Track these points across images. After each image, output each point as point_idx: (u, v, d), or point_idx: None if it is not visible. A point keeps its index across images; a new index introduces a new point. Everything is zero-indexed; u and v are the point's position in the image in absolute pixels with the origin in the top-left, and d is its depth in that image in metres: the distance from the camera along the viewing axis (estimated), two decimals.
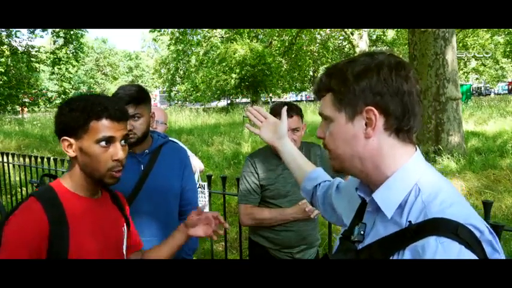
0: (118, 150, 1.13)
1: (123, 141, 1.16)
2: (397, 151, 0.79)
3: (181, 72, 33.72)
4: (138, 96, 1.68)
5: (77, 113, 1.10)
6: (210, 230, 1.36)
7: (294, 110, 1.97)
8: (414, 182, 0.76)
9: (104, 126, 1.11)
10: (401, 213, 0.75)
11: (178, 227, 1.40)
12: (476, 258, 0.65)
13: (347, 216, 0.96)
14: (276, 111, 1.99)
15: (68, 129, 1.12)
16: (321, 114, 0.87)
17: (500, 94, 36.29)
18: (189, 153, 2.48)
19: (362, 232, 0.83)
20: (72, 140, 1.13)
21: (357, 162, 0.81)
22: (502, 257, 0.71)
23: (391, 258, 0.72)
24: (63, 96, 27.40)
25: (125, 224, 1.31)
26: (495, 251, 0.69)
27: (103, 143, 1.11)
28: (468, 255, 0.65)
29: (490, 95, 34.94)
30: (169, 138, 2.09)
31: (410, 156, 0.80)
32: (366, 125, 0.78)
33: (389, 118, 0.77)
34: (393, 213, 0.76)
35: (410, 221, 0.72)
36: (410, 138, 0.81)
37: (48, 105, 28.70)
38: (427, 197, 0.73)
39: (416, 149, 0.82)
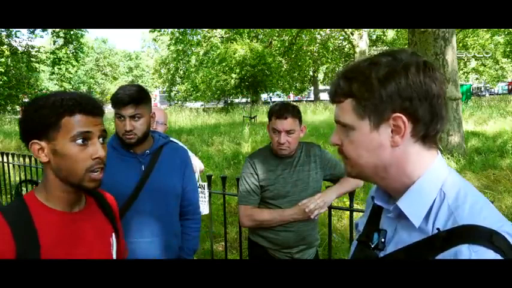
0: (98, 148, 1.00)
1: (101, 139, 1.03)
2: (421, 156, 0.75)
3: (181, 72, 33.75)
4: (138, 96, 1.67)
5: (45, 111, 0.97)
6: None
7: (289, 111, 1.93)
8: (439, 187, 0.73)
9: (79, 121, 0.98)
10: (427, 220, 0.72)
11: None
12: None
13: (361, 221, 0.93)
14: (272, 112, 1.98)
15: (37, 131, 0.98)
16: (338, 121, 0.79)
17: (497, 94, 36.28)
18: (189, 153, 2.48)
19: (383, 240, 0.79)
20: (43, 143, 0.99)
21: (380, 170, 0.76)
22: None
23: None
24: None
25: (113, 234, 1.18)
26: None
27: (79, 141, 0.98)
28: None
29: (484, 95, 34.91)
30: (170, 139, 2.08)
31: (433, 161, 0.75)
32: (391, 132, 0.73)
33: (418, 124, 0.72)
34: (421, 221, 0.72)
35: (438, 228, 0.68)
36: (435, 142, 0.77)
37: None
38: (453, 201, 0.70)
39: (438, 152, 0.78)
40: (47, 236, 0.98)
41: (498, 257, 0.61)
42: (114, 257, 1.18)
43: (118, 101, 1.66)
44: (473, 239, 0.63)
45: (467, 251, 0.62)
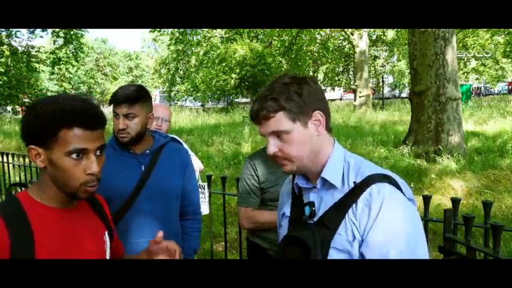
0: (92, 163, 1.00)
1: (98, 152, 1.03)
2: (328, 140, 1.07)
3: (181, 72, 33.75)
4: (134, 96, 1.67)
5: (43, 120, 0.96)
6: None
7: None
8: (343, 158, 1.05)
9: (76, 137, 0.97)
10: (343, 182, 1.02)
11: (142, 252, 1.24)
12: (401, 192, 0.96)
13: (286, 209, 1.17)
14: None
15: (35, 139, 0.98)
16: (275, 132, 1.01)
17: (497, 94, 36.28)
18: (189, 152, 2.48)
19: (314, 208, 1.03)
20: (40, 150, 0.99)
21: (312, 156, 1.03)
22: (410, 191, 1.01)
23: (347, 214, 0.95)
24: None
25: (106, 232, 1.19)
26: (406, 188, 1.01)
27: (74, 156, 0.97)
28: (396, 190, 0.95)
29: (484, 95, 34.93)
30: (172, 136, 2.07)
31: (334, 144, 1.08)
32: (314, 125, 1.02)
33: (326, 116, 1.04)
34: (341, 183, 1.01)
35: (355, 182, 0.98)
36: (331, 131, 1.10)
37: None
38: (355, 165, 1.03)
39: (333, 138, 1.10)
40: (41, 230, 0.99)
41: (393, 187, 0.95)
42: (108, 255, 1.17)
43: (114, 99, 1.68)
44: (376, 180, 0.96)
45: (376, 188, 0.94)
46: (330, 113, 1.06)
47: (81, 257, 1.07)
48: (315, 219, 1.02)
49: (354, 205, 0.95)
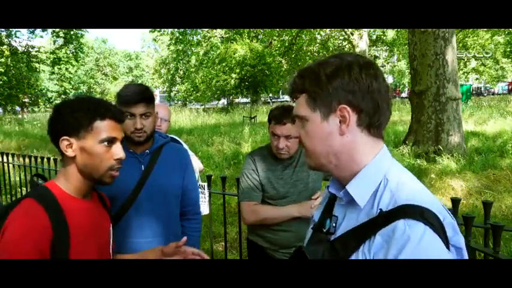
0: (119, 150, 1.18)
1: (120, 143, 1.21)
2: (368, 146, 0.85)
3: (181, 72, 33.78)
4: (149, 94, 1.72)
5: (80, 114, 1.13)
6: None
7: (288, 116, 1.88)
8: (383, 174, 0.83)
9: (108, 127, 1.16)
10: (373, 203, 0.81)
11: (155, 248, 1.38)
12: (438, 238, 0.71)
13: (316, 213, 1.02)
14: (271, 116, 1.97)
15: (70, 129, 1.14)
16: (296, 115, 0.90)
17: (497, 94, 36.29)
18: (189, 152, 2.48)
19: (334, 224, 0.87)
20: (72, 140, 1.14)
21: (332, 158, 0.86)
22: (462, 238, 0.77)
23: (362, 244, 0.77)
24: (63, 97, 27.46)
25: (110, 226, 1.34)
26: (456, 233, 0.76)
27: (106, 143, 1.15)
28: (431, 234, 0.70)
29: (484, 95, 34.94)
30: (172, 136, 2.06)
31: (379, 151, 0.86)
32: (339, 122, 0.83)
33: (362, 115, 0.82)
34: (365, 203, 0.82)
35: (381, 209, 0.77)
36: (380, 133, 0.87)
37: (48, 106, 28.75)
38: (394, 187, 0.79)
39: (384, 144, 0.88)
40: (73, 220, 1.12)
41: (427, 228, 0.71)
42: (111, 244, 1.31)
43: (129, 99, 1.66)
44: (407, 215, 0.73)
45: (403, 225, 0.72)
46: (380, 112, 0.83)
47: (100, 246, 1.21)
48: (333, 237, 0.87)
49: (372, 237, 0.76)
